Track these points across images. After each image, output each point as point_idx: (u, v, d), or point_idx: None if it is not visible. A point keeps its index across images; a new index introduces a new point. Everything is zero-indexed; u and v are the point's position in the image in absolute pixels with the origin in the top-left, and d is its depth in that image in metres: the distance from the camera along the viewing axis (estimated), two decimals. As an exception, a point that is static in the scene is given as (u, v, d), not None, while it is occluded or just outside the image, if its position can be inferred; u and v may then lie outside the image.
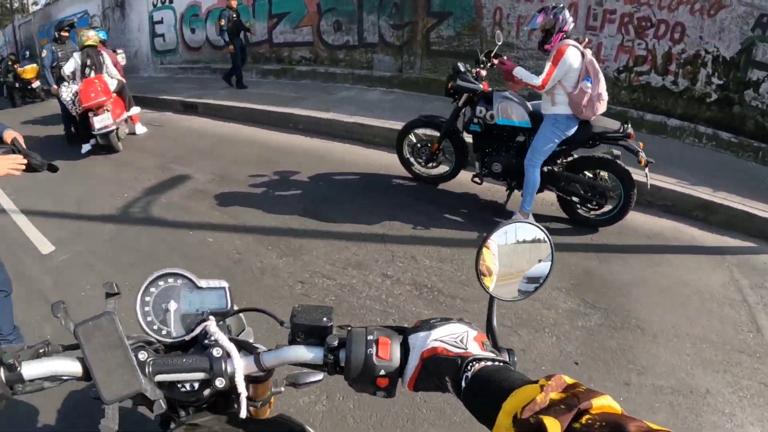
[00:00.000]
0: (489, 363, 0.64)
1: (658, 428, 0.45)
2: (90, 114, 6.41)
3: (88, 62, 6.61)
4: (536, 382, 0.54)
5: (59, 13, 18.85)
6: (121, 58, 8.76)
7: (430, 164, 4.82)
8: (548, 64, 3.65)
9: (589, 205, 4.01)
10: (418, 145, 4.82)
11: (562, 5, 3.76)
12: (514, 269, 0.85)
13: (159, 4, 13.02)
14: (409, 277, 3.38)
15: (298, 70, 9.59)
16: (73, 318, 0.78)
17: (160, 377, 0.78)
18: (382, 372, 0.72)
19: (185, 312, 0.89)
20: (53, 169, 1.60)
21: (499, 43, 4.52)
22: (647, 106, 6.11)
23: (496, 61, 4.22)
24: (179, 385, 0.81)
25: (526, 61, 6.70)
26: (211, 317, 0.86)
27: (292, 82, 9.56)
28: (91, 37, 6.65)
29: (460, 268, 3.49)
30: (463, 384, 0.63)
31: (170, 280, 0.90)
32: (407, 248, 3.74)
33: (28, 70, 11.56)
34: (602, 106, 3.68)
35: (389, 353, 0.72)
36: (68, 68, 6.64)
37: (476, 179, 4.43)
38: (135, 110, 7.48)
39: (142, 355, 0.77)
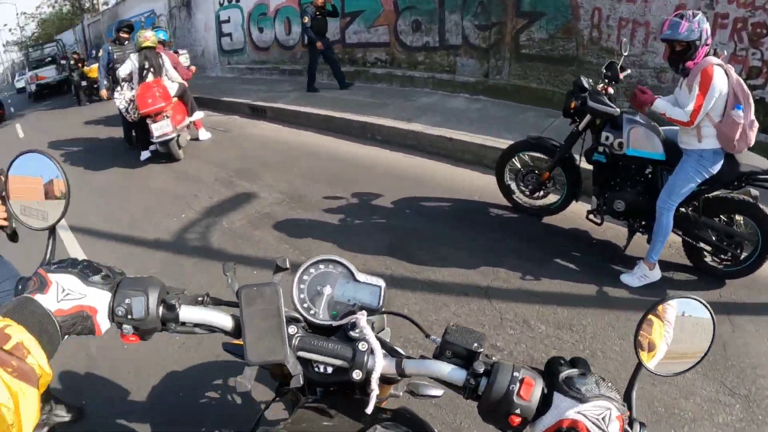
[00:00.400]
0: None
1: None
2: (148, 120, 6.08)
3: (146, 65, 6.26)
4: None
5: (127, 13, 19.13)
6: (185, 59, 8.51)
7: (535, 194, 4.09)
8: (694, 92, 2.86)
9: (722, 256, 3.24)
10: (524, 171, 4.09)
11: (699, 10, 2.93)
12: (679, 347, 0.83)
13: (226, 3, 12.81)
14: (523, 350, 2.69)
15: (373, 72, 9.02)
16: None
17: (302, 353, 0.85)
18: (518, 411, 0.72)
19: (337, 299, 0.94)
20: (13, 238, 1.24)
21: (625, 54, 3.80)
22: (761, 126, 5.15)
23: (621, 76, 3.53)
24: (314, 365, 0.87)
25: (628, 68, 5.87)
26: (363, 312, 0.88)
27: (367, 86, 8.98)
28: (149, 38, 6.30)
29: (582, 338, 2.77)
30: None
31: (331, 266, 0.95)
32: (517, 308, 3.04)
33: (94, 69, 11.55)
34: (754, 136, 2.91)
35: (530, 395, 0.72)
36: (124, 71, 6.34)
37: (594, 218, 3.66)
38: (198, 115, 7.13)
39: (292, 329, 0.84)
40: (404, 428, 0.84)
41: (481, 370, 0.77)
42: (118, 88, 6.40)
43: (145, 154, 6.71)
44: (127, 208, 5.02)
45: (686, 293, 0.86)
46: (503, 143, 5.00)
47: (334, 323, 0.90)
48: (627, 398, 0.78)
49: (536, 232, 3.95)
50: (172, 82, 6.51)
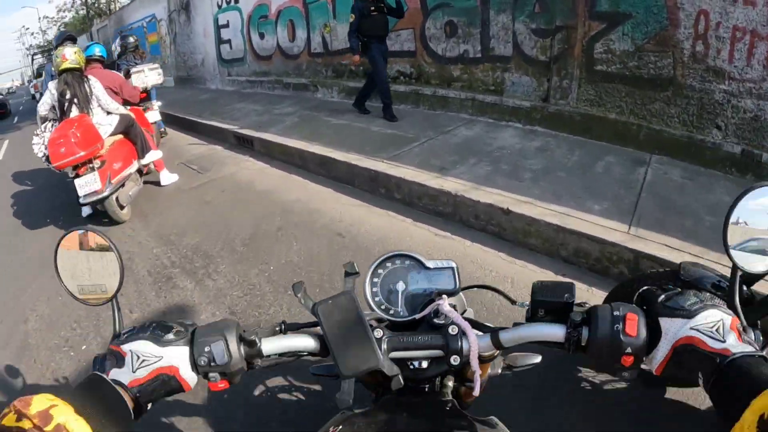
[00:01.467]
0: (746, 355, 0.63)
1: None
2: (70, 174, 4.47)
3: (67, 94, 4.59)
4: None
5: (129, 18, 17.97)
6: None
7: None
8: None
9: None
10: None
11: None
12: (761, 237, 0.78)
13: (224, 5, 11.20)
14: None
15: (394, 90, 7.23)
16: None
17: (394, 354, 0.84)
18: (629, 350, 0.72)
19: (413, 292, 0.93)
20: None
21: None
22: None
23: None
24: (408, 363, 0.86)
25: (742, 98, 3.98)
26: (443, 296, 0.87)
27: None
28: (68, 57, 4.58)
29: None
30: (713, 380, 0.63)
31: (398, 261, 0.96)
32: None
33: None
34: None
35: (636, 330, 0.72)
36: (43, 107, 4.68)
37: None
38: (153, 156, 5.44)
39: (378, 333, 0.83)
40: None
41: (579, 320, 0.77)
42: (38, 130, 4.73)
43: (85, 210, 5.07)
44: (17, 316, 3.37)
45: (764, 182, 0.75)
46: (587, 222, 3.26)
47: (417, 316, 0.89)
48: (731, 306, 0.75)
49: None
50: (109, 114, 4.89)
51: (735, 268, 0.78)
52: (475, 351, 0.81)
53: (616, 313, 0.74)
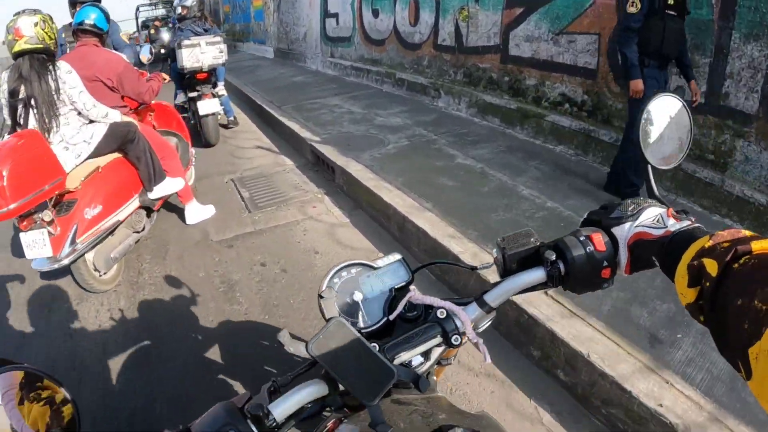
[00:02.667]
0: (682, 229, 0.73)
1: None
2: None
3: (21, 93, 2.91)
4: (712, 233, 0.63)
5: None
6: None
7: None
8: None
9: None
10: None
11: None
12: (668, 141, 0.95)
13: (335, -32, 9.34)
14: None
15: (553, 123, 4.95)
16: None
17: (399, 359, 0.84)
18: (605, 263, 0.81)
19: (372, 296, 0.94)
20: None
21: None
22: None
23: None
24: (410, 362, 0.89)
25: None
26: (411, 288, 0.93)
27: (533, 148, 4.87)
28: (24, 32, 2.84)
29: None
30: (659, 257, 0.73)
31: (344, 273, 0.97)
32: None
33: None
34: None
35: (603, 244, 0.81)
36: None
37: None
38: (170, 187, 3.69)
39: (374, 347, 0.80)
40: None
41: (554, 257, 0.83)
42: None
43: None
44: None
45: (665, 92, 0.94)
46: None
47: (390, 317, 0.91)
48: (653, 196, 0.87)
49: None
50: (92, 123, 3.21)
51: (647, 164, 0.90)
52: (468, 323, 0.85)
53: (581, 238, 0.82)
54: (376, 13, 8.20)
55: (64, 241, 2.83)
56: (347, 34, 9.31)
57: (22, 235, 2.74)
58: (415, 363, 0.90)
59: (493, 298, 0.87)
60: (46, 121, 2.93)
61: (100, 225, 3.01)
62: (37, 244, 2.74)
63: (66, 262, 2.83)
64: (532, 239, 0.88)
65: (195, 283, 3.25)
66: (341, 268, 0.97)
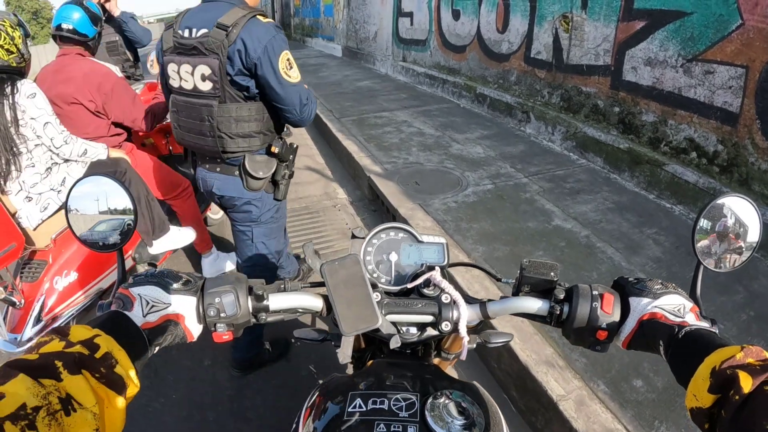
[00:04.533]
0: (700, 328, 0.77)
1: None
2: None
3: None
4: (741, 347, 0.64)
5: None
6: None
7: None
8: None
9: None
10: None
11: None
12: (731, 243, 0.93)
13: (413, -36, 8.67)
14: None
15: (679, 178, 4.04)
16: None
17: (391, 317, 0.96)
18: (604, 325, 0.87)
19: (404, 263, 1.05)
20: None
21: None
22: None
23: None
24: (400, 329, 0.98)
25: None
26: (437, 267, 1.00)
27: (659, 209, 3.95)
28: None
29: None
30: (669, 350, 0.76)
31: (392, 233, 1.08)
32: None
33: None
34: None
35: (612, 308, 0.87)
36: None
37: None
38: (175, 240, 3.12)
39: (376, 296, 0.91)
40: (470, 399, 0.87)
41: (562, 296, 0.92)
42: None
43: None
44: None
45: (733, 192, 0.93)
46: None
47: (409, 285, 1.01)
48: (693, 296, 0.90)
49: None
50: (67, 162, 2.68)
51: (698, 263, 0.92)
52: (464, 319, 0.93)
53: (594, 292, 0.88)
54: (456, 15, 7.47)
55: (28, 318, 2.29)
56: (422, 36, 8.63)
57: None
58: (412, 331, 0.98)
59: (494, 309, 0.97)
60: (2, 163, 2.36)
61: (75, 297, 2.45)
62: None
63: (27, 347, 2.27)
64: (552, 273, 0.94)
65: (198, 374, 2.66)
66: (391, 228, 1.08)
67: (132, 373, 0.71)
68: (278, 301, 0.96)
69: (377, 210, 4.39)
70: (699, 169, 3.93)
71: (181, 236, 3.12)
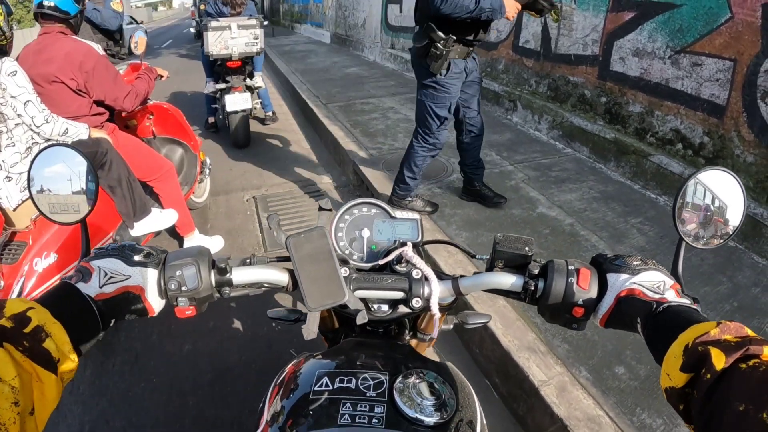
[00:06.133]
0: (679, 305, 0.74)
1: None
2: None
3: None
4: (718, 322, 0.61)
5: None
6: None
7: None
8: None
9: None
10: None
11: None
12: (714, 219, 0.91)
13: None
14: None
15: (665, 169, 4.02)
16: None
17: (359, 293, 0.92)
18: (580, 301, 0.83)
19: (377, 240, 1.02)
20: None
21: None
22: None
23: None
24: (370, 306, 0.98)
25: None
26: (408, 243, 0.96)
27: (644, 200, 3.94)
28: None
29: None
30: (649, 328, 0.73)
31: (365, 209, 1.05)
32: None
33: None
34: None
35: (589, 284, 0.83)
36: None
37: None
38: (158, 221, 3.15)
39: (344, 271, 0.90)
40: (442, 380, 0.87)
41: (537, 271, 0.87)
42: None
43: None
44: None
45: (715, 166, 0.88)
46: None
47: (381, 261, 0.96)
48: (674, 274, 0.87)
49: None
50: (42, 143, 2.59)
51: (680, 240, 0.89)
52: (436, 295, 0.89)
53: (570, 267, 0.84)
54: (446, 3, 7.43)
55: (8, 294, 2.24)
56: (411, 23, 8.54)
57: None
58: (383, 309, 0.98)
59: (467, 285, 0.92)
60: None
61: (54, 280, 2.38)
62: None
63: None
64: (527, 248, 0.90)
65: (178, 359, 2.63)
66: (365, 203, 1.05)
67: (66, 347, 0.67)
68: (242, 275, 0.92)
69: (361, 195, 4.34)
70: (685, 160, 3.93)
71: (162, 218, 3.07)
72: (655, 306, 0.74)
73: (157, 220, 3.04)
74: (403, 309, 0.97)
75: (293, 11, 17.76)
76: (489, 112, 6.10)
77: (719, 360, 0.55)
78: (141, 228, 2.92)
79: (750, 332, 0.60)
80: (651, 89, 4.21)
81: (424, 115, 3.42)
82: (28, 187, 0.92)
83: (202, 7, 13.65)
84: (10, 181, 2.42)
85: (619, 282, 0.81)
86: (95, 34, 4.40)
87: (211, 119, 6.45)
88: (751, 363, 0.54)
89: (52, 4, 2.76)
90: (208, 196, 4.29)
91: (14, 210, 2.41)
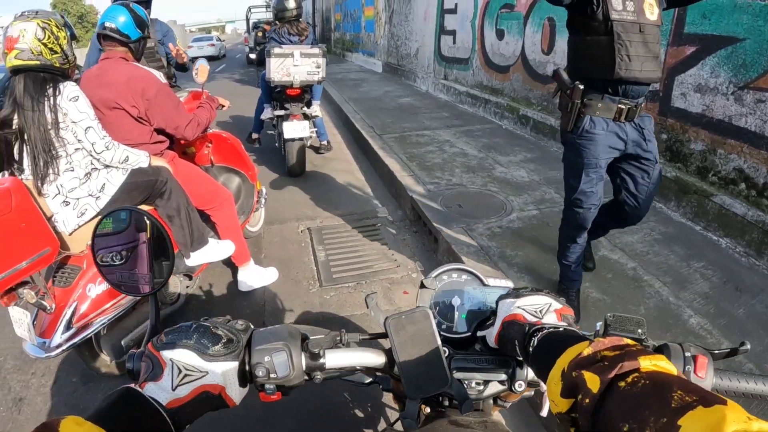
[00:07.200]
0: (557, 329, 0.74)
1: (703, 389, 0.49)
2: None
3: (13, 123, 2.36)
4: (591, 340, 0.62)
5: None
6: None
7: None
8: None
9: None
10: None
11: None
12: None
13: (454, -19, 8.75)
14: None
15: (727, 210, 3.93)
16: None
17: (458, 374, 0.88)
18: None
19: (469, 308, 0.99)
20: None
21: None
22: None
23: None
24: (465, 383, 0.90)
25: None
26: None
27: (706, 242, 3.89)
28: (20, 44, 2.29)
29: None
30: (530, 350, 0.73)
31: (455, 275, 1.03)
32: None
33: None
34: None
35: (706, 372, 0.77)
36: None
37: None
38: (214, 252, 3.20)
39: (444, 350, 0.84)
40: None
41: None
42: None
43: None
44: None
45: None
46: None
47: (479, 333, 0.94)
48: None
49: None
50: (107, 168, 2.66)
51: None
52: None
53: (687, 354, 0.79)
54: (500, 34, 7.51)
55: (58, 324, 2.32)
56: (465, 55, 8.68)
57: (9, 310, 2.30)
58: (473, 385, 0.91)
59: None
60: (40, 165, 2.37)
61: (107, 306, 2.47)
62: (20, 323, 2.31)
63: (55, 354, 2.30)
64: (639, 330, 0.83)
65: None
66: (454, 269, 1.03)
67: None
68: (336, 359, 0.87)
69: (418, 231, 4.42)
70: (748, 201, 3.87)
71: (219, 249, 3.17)
72: (528, 328, 0.75)
73: (214, 250, 3.13)
74: (497, 387, 0.92)
75: (344, 39, 18.14)
76: (546, 147, 6.14)
77: (594, 383, 0.54)
78: (197, 258, 3.01)
79: (628, 341, 0.60)
80: (713, 126, 4.17)
81: (564, 178, 2.93)
82: (92, 253, 0.89)
83: (260, 34, 14.07)
84: (67, 205, 2.48)
85: (506, 306, 0.84)
86: (150, 61, 4.54)
87: (255, 135, 6.55)
88: (629, 379, 0.53)
89: (114, 26, 2.84)
90: (263, 225, 4.42)
91: (70, 234, 2.48)
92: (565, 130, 2.72)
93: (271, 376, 0.79)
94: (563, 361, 0.61)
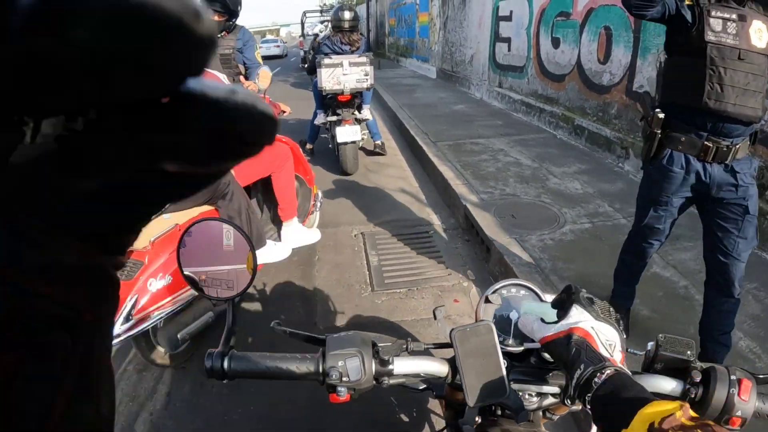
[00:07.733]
0: (626, 373, 0.75)
1: None
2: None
3: None
4: (680, 404, 0.63)
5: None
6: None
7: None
8: None
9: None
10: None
11: None
12: None
13: (512, -10, 8.76)
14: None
15: None
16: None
17: (515, 386, 0.92)
18: (739, 413, 0.81)
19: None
20: None
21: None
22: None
23: None
24: (520, 395, 0.95)
25: None
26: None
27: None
28: None
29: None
30: (594, 386, 0.72)
31: (513, 290, 1.06)
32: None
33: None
34: None
35: (749, 395, 0.81)
36: None
37: None
38: (277, 254, 3.41)
39: (504, 362, 0.89)
40: None
41: (699, 379, 0.85)
42: None
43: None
44: None
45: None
46: None
47: (534, 347, 0.95)
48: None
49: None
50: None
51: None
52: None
53: (732, 377, 0.82)
54: (556, 43, 7.49)
55: (118, 316, 2.48)
56: (520, 63, 8.69)
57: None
58: (527, 396, 0.95)
59: None
60: None
61: (166, 301, 2.57)
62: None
63: (114, 342, 2.47)
64: (689, 352, 0.88)
65: (278, 390, 2.82)
66: (513, 284, 1.06)
67: None
68: (403, 366, 0.92)
69: (470, 240, 4.48)
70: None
71: (276, 251, 3.32)
72: (599, 362, 0.75)
73: (272, 252, 3.28)
74: (551, 399, 0.97)
75: (398, 45, 18.30)
76: (600, 159, 6.10)
77: None
78: (267, 256, 3.19)
79: (694, 414, 0.62)
80: (775, 142, 4.11)
81: (636, 202, 2.82)
82: (178, 261, 0.93)
83: (316, 40, 14.36)
84: None
85: (580, 318, 0.83)
86: (225, 68, 4.74)
87: (309, 146, 6.87)
88: None
89: None
90: (317, 228, 4.56)
91: None
92: (644, 158, 2.58)
93: (344, 379, 0.85)
94: (650, 415, 0.62)
